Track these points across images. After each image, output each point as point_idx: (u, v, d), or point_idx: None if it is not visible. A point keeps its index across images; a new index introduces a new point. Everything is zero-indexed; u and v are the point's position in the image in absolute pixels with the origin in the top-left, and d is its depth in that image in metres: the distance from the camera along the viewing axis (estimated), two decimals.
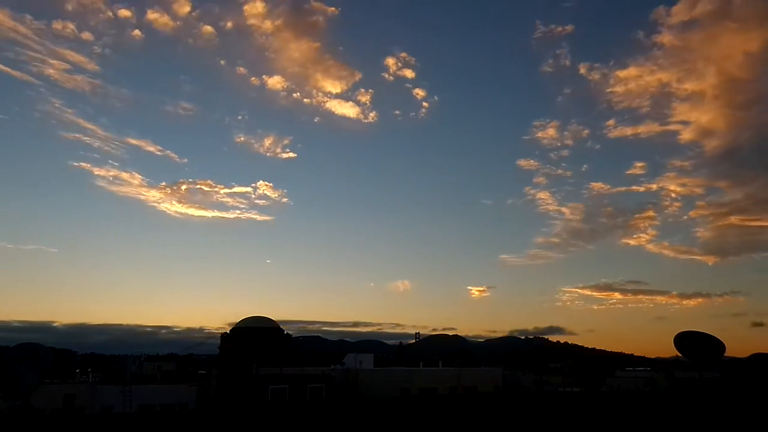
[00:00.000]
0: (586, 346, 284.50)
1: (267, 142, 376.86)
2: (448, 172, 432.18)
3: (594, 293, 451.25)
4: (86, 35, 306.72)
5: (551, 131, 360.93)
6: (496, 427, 23.65)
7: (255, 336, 65.05)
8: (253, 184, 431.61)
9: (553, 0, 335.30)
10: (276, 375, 48.04)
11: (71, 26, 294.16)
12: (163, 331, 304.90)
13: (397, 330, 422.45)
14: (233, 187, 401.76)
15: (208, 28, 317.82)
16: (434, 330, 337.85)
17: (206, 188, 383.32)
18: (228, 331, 69.15)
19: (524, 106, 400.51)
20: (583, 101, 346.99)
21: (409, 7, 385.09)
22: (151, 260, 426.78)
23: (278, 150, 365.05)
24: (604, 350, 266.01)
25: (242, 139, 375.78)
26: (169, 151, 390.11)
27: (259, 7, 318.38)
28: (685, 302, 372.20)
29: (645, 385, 64.44)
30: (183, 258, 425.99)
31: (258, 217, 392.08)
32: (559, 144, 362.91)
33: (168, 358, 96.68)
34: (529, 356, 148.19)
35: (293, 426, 26.03)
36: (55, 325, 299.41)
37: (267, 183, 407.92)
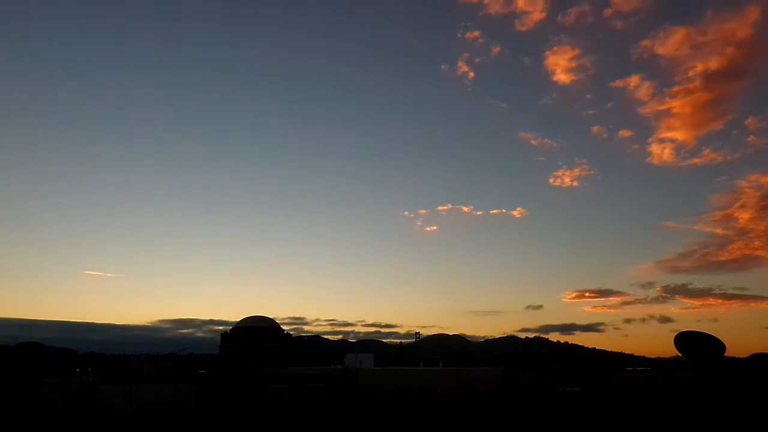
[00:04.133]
0: (585, 346, 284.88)
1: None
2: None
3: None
4: None
5: None
6: (496, 427, 23.65)
7: (255, 336, 65.10)
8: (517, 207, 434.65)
9: None
10: (276, 375, 48.07)
11: None
12: None
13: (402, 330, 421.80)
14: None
15: None
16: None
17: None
18: (228, 331, 69.15)
19: None
20: None
21: None
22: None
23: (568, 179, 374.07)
24: (604, 350, 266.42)
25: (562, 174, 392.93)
26: None
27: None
28: None
29: (645, 385, 64.44)
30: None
31: None
32: None
33: (168, 357, 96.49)
34: (529, 356, 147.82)
35: (293, 425, 26.02)
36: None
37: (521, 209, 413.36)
